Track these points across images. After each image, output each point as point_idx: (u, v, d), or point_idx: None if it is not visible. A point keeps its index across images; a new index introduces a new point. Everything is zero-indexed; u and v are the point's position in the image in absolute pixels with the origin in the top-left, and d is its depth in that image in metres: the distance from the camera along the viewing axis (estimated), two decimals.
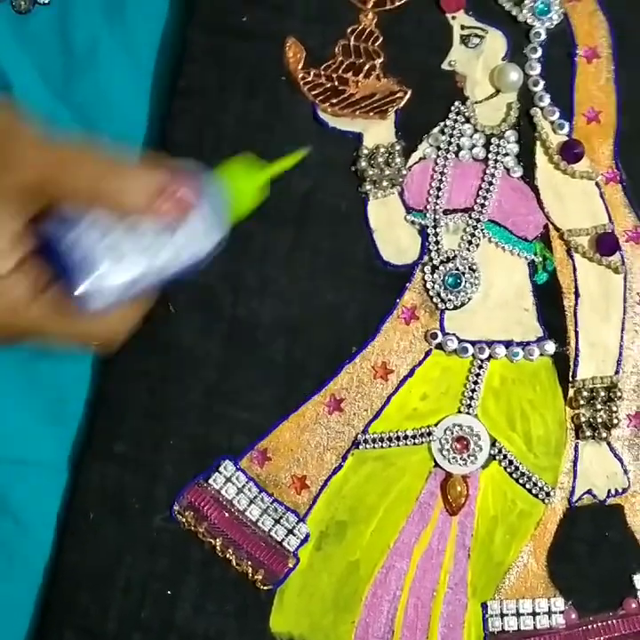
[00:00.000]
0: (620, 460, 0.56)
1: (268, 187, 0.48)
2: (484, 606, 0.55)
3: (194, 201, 0.43)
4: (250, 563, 0.55)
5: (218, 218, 0.45)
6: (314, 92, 0.58)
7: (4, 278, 0.41)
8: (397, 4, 0.58)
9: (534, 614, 0.55)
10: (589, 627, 0.55)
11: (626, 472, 0.56)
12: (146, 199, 0.43)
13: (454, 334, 0.57)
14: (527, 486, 0.56)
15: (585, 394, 0.56)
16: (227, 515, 0.55)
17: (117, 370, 0.55)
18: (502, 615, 0.55)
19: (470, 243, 0.57)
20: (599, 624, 0.55)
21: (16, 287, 0.42)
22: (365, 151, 0.57)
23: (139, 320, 0.46)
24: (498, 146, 0.58)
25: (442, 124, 0.58)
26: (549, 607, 0.55)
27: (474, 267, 0.57)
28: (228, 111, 0.57)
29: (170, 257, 0.43)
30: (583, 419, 0.56)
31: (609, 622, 0.55)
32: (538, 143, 0.58)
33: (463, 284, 0.57)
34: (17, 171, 0.42)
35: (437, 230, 0.57)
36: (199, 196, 0.44)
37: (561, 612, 0.55)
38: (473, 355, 0.56)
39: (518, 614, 0.55)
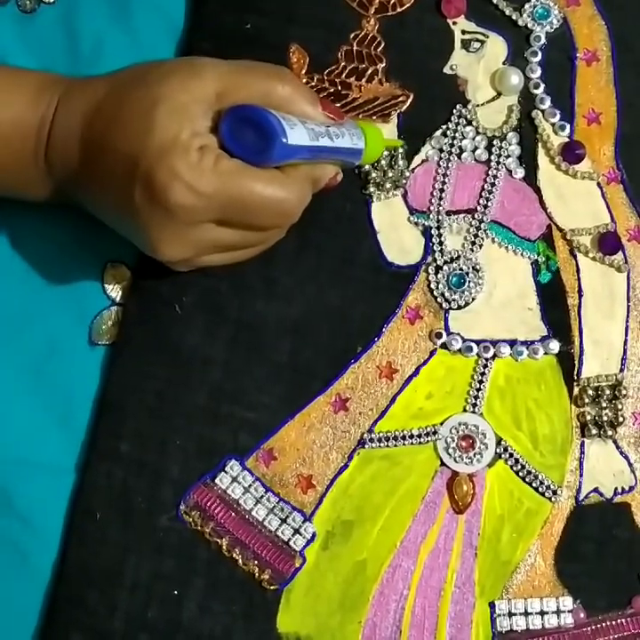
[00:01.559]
0: (627, 457, 0.56)
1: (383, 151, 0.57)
2: (492, 606, 0.55)
3: (344, 114, 0.53)
4: (256, 562, 0.55)
5: (359, 135, 0.54)
6: None
7: (190, 150, 0.48)
8: (399, 9, 0.59)
9: (542, 614, 0.55)
10: (598, 626, 0.55)
11: (632, 470, 0.56)
12: (311, 105, 0.51)
13: (459, 334, 0.57)
14: (534, 485, 0.56)
15: (590, 392, 0.57)
16: (233, 514, 0.55)
17: (123, 370, 0.55)
18: (510, 614, 0.55)
19: (474, 243, 0.58)
20: (608, 623, 0.55)
21: (203, 158, 0.48)
22: None
23: (309, 198, 0.52)
24: (500, 148, 0.59)
25: (444, 126, 0.58)
26: (558, 606, 0.55)
27: (477, 267, 0.58)
28: None
29: (338, 138, 0.52)
30: (589, 417, 0.56)
31: (618, 621, 0.55)
32: (539, 145, 0.59)
33: (467, 283, 0.58)
34: (204, 79, 0.49)
35: (441, 231, 0.58)
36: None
37: (569, 612, 0.55)
38: (477, 354, 0.57)
39: (526, 614, 0.55)
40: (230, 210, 0.49)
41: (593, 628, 0.55)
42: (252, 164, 0.49)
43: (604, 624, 0.55)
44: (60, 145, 0.51)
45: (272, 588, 0.54)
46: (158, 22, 0.59)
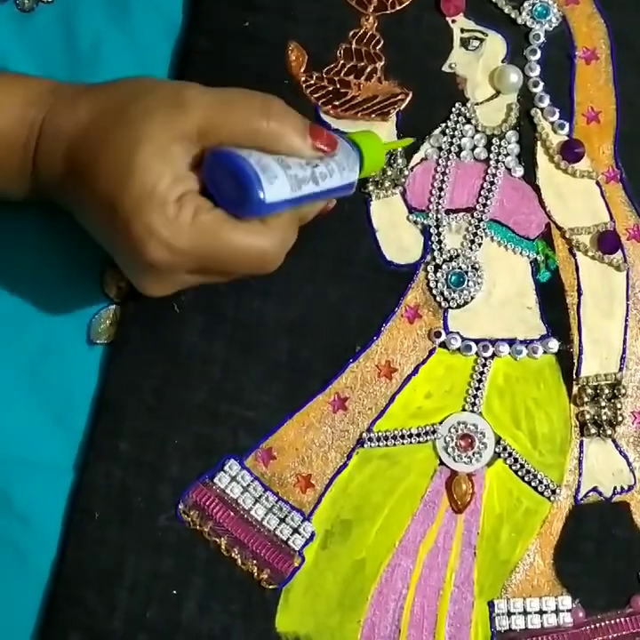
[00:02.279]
0: (626, 457, 0.56)
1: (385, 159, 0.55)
2: (491, 605, 0.55)
3: (337, 140, 0.50)
4: (255, 562, 0.55)
5: (354, 160, 0.51)
6: (316, 95, 0.59)
7: (168, 204, 0.46)
8: (398, 7, 0.59)
9: (541, 613, 0.55)
10: (597, 625, 0.55)
11: (631, 469, 0.56)
12: (300, 137, 0.48)
13: (458, 333, 0.57)
14: (533, 484, 0.55)
15: (589, 391, 0.57)
16: (232, 514, 0.55)
17: (121, 370, 0.55)
18: (509, 614, 0.55)
19: (473, 242, 0.58)
20: (607, 622, 0.55)
21: (180, 211, 0.46)
22: None
23: (294, 239, 0.50)
24: (499, 146, 0.59)
25: (443, 125, 0.58)
26: (557, 605, 0.55)
27: (477, 265, 0.58)
28: None
29: (325, 179, 0.49)
30: (588, 416, 0.56)
31: (617, 620, 0.55)
32: (538, 143, 0.59)
33: (466, 282, 0.58)
34: (188, 114, 0.47)
35: (440, 230, 0.58)
36: (338, 140, 0.50)
37: (568, 611, 0.55)
38: (476, 353, 0.57)
39: (525, 613, 0.55)
40: (208, 262, 0.48)
41: (591, 627, 0.55)
42: (231, 214, 0.47)
43: (602, 623, 0.55)
44: (45, 165, 0.50)
45: (271, 587, 0.55)
46: (156, 21, 0.58)
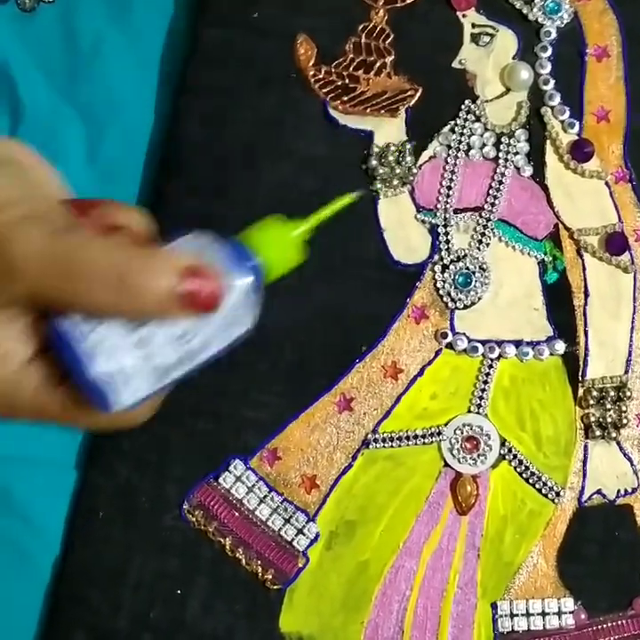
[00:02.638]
0: (630, 459, 0.56)
1: (308, 246, 0.41)
2: (494, 606, 0.55)
3: (222, 291, 0.37)
4: (259, 562, 0.55)
5: (251, 295, 0.40)
6: (325, 90, 0.58)
7: (15, 373, 0.38)
8: (408, 1, 0.58)
9: (544, 614, 0.56)
10: (599, 627, 0.55)
11: (635, 472, 0.56)
12: (167, 304, 0.37)
13: (464, 334, 0.57)
14: (537, 486, 0.56)
15: (594, 393, 0.57)
16: (236, 514, 0.55)
17: None
18: (512, 615, 0.55)
19: (480, 242, 0.58)
20: (609, 624, 0.55)
21: (27, 382, 0.38)
22: (376, 149, 0.57)
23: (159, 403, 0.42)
24: (508, 145, 0.58)
25: (452, 122, 0.58)
26: (559, 607, 0.55)
27: (484, 266, 0.58)
28: (238, 107, 0.57)
29: (201, 345, 0.38)
30: (593, 418, 0.56)
31: (619, 622, 0.56)
32: (548, 142, 0.58)
33: (473, 283, 0.57)
34: (16, 282, 0.37)
35: (448, 229, 0.58)
36: (227, 284, 0.38)
37: (571, 613, 0.55)
38: (483, 354, 0.57)
39: (528, 614, 0.55)
40: None
41: (594, 628, 0.55)
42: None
43: (604, 625, 0.55)
44: None
45: (275, 587, 0.55)
46: (157, 21, 0.58)
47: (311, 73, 0.58)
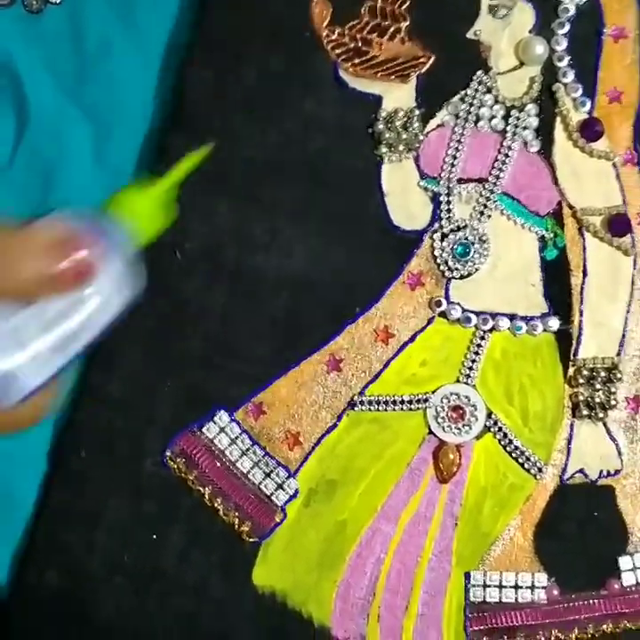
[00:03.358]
0: (615, 441, 0.56)
1: (174, 204, 0.42)
2: (468, 576, 0.55)
3: (95, 260, 0.37)
4: (237, 514, 0.55)
5: (125, 263, 0.40)
6: (337, 51, 0.58)
7: None
8: None
9: (517, 587, 0.56)
10: (570, 604, 0.55)
11: (620, 454, 0.56)
12: (37, 282, 0.36)
13: (459, 303, 0.57)
14: (520, 460, 0.56)
15: (585, 373, 0.57)
16: (218, 464, 0.55)
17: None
18: (485, 586, 0.56)
19: (482, 213, 0.58)
20: (580, 602, 0.56)
21: None
22: (384, 114, 0.57)
23: (57, 396, 0.41)
24: (517, 118, 0.58)
25: (463, 92, 0.58)
26: (532, 582, 0.56)
27: (484, 237, 0.58)
28: (248, 62, 0.57)
29: (82, 325, 0.38)
30: (581, 397, 0.56)
31: (590, 601, 0.56)
32: (558, 119, 0.58)
33: (472, 254, 0.58)
34: None
35: (450, 198, 0.58)
36: (100, 251, 0.37)
37: (543, 588, 0.55)
38: (476, 325, 0.57)
39: (501, 586, 0.56)
40: None
41: (565, 605, 0.56)
42: None
43: (576, 603, 0.55)
44: None
45: (251, 540, 0.55)
46: (164, 23, 0.58)
47: (325, 33, 0.58)
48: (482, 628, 0.55)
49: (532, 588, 0.56)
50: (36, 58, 0.57)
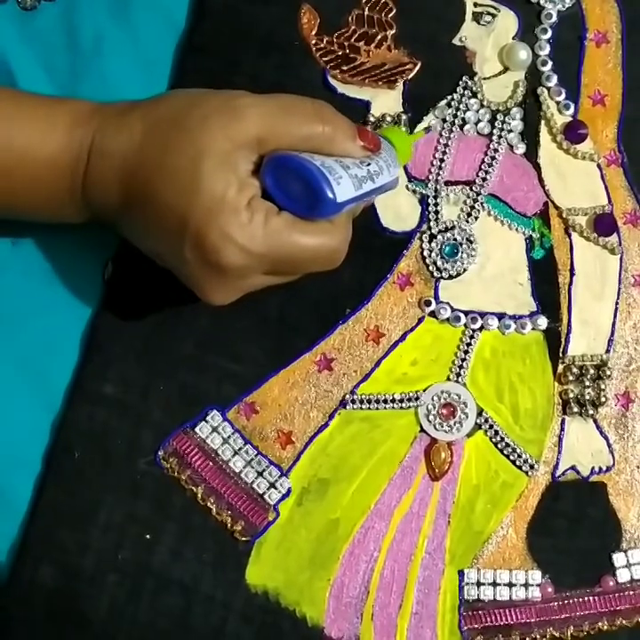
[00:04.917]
0: (606, 438, 0.56)
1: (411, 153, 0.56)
2: (461, 574, 0.56)
3: (380, 139, 0.52)
4: (230, 513, 0.56)
5: (394, 155, 0.53)
6: (325, 59, 0.60)
7: (240, 210, 0.47)
8: None
9: (511, 585, 0.56)
10: (565, 602, 0.56)
11: (611, 451, 0.56)
12: (352, 141, 0.50)
13: (448, 303, 0.58)
14: (511, 458, 0.56)
15: (574, 370, 0.58)
16: (210, 464, 0.56)
17: (111, 314, 0.56)
18: (479, 584, 0.56)
19: (469, 215, 0.59)
20: (575, 600, 0.56)
21: (253, 217, 0.48)
22: (372, 119, 0.58)
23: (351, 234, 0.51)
24: (503, 122, 0.60)
25: (449, 97, 0.59)
26: (526, 579, 0.56)
27: (472, 238, 0.59)
28: (239, 71, 0.59)
29: (378, 177, 0.51)
30: (571, 394, 0.57)
31: (585, 599, 0.56)
32: (542, 122, 0.60)
33: (460, 254, 0.59)
34: (245, 123, 0.48)
35: (438, 200, 0.59)
36: (380, 139, 0.52)
37: (537, 585, 0.56)
38: (465, 324, 0.58)
39: (495, 584, 0.56)
40: (280, 264, 0.49)
41: (559, 603, 0.56)
42: (298, 216, 0.49)
43: (570, 600, 0.56)
44: (98, 187, 0.50)
45: (244, 539, 0.56)
46: (158, 19, 0.59)
47: (313, 42, 0.60)
48: (476, 626, 0.56)
49: (526, 585, 0.56)
50: (30, 55, 0.58)
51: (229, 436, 0.56)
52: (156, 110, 0.50)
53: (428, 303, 0.58)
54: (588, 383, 0.57)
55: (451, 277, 0.58)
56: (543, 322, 0.57)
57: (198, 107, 0.49)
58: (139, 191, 0.49)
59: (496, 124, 0.59)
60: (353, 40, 0.60)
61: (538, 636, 0.55)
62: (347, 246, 0.51)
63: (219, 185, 0.48)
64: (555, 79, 0.59)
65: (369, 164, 0.50)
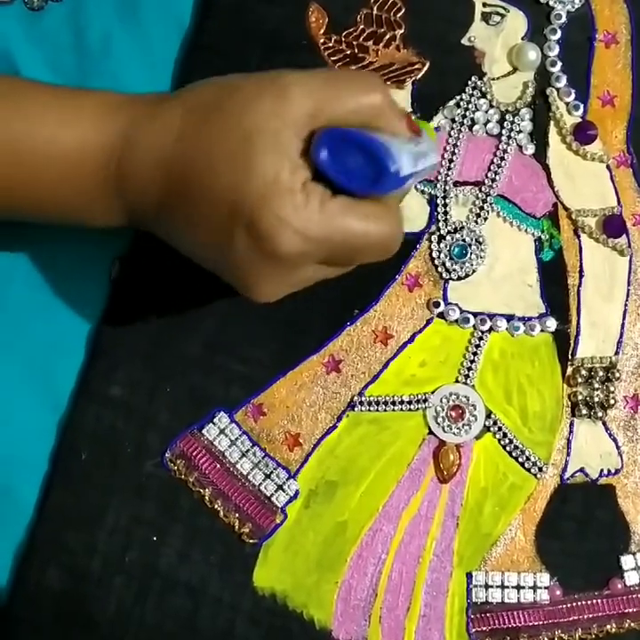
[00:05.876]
0: (615, 440, 0.56)
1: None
2: (469, 576, 0.56)
3: (420, 129, 0.51)
4: (237, 515, 0.56)
5: (432, 145, 0.52)
6: (333, 58, 0.60)
7: (295, 193, 0.45)
8: None
9: (519, 588, 0.56)
10: (573, 604, 0.56)
11: (620, 453, 0.56)
12: (400, 120, 0.48)
13: (457, 304, 0.58)
14: (520, 460, 0.56)
15: (583, 372, 0.58)
16: (218, 466, 0.56)
17: (118, 316, 0.56)
18: (487, 586, 0.56)
19: (478, 216, 0.60)
20: (583, 602, 0.56)
21: (308, 199, 0.45)
22: None
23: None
24: (512, 123, 0.60)
25: (458, 97, 0.59)
26: (535, 582, 0.56)
27: (480, 239, 0.59)
28: (246, 70, 0.59)
29: (425, 154, 0.50)
30: (580, 397, 0.57)
31: (593, 601, 0.56)
32: (552, 123, 0.60)
33: (469, 255, 0.59)
34: (293, 100, 0.46)
35: (447, 201, 0.60)
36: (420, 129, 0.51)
37: (546, 588, 0.56)
38: (474, 326, 0.58)
39: (503, 587, 0.56)
40: (336, 252, 0.47)
41: (568, 606, 0.56)
42: (354, 193, 0.46)
43: (579, 603, 0.56)
44: (134, 180, 0.48)
45: (251, 541, 0.56)
46: (166, 19, 0.59)
47: (321, 41, 0.60)
48: (484, 628, 0.56)
49: (535, 588, 0.56)
50: (37, 55, 0.58)
51: (237, 438, 0.56)
52: (194, 97, 0.48)
53: (436, 304, 0.58)
54: (596, 385, 0.57)
55: (459, 279, 0.58)
56: (552, 323, 0.58)
57: (240, 89, 0.47)
58: (181, 181, 0.47)
59: (505, 125, 0.59)
60: (361, 39, 0.60)
61: (546, 639, 0.56)
62: (402, 234, 0.49)
63: (271, 167, 0.45)
64: (564, 80, 0.60)
65: (418, 143, 0.49)
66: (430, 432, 0.56)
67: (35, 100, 0.49)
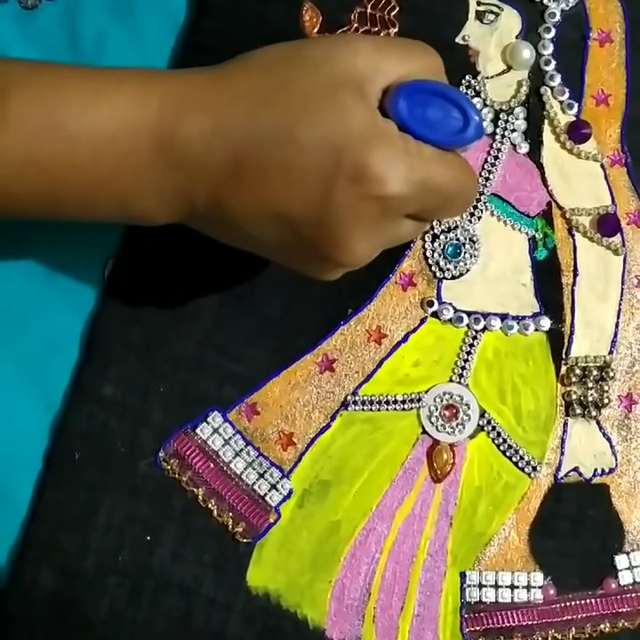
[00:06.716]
0: (609, 439, 0.57)
1: None
2: (463, 576, 0.56)
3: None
4: (231, 515, 0.56)
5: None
6: None
7: (395, 138, 0.46)
8: None
9: (513, 587, 0.57)
10: (567, 604, 0.56)
11: (614, 452, 0.56)
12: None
13: (451, 303, 0.58)
14: (514, 459, 0.57)
15: (577, 372, 0.58)
16: (211, 465, 0.56)
17: (112, 314, 0.56)
18: (480, 586, 0.57)
19: (472, 214, 0.60)
20: (577, 602, 0.56)
21: (407, 144, 0.46)
22: None
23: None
24: (506, 121, 0.60)
25: None
26: (528, 581, 0.56)
27: (474, 238, 0.60)
28: None
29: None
30: (574, 396, 0.57)
31: (587, 601, 0.57)
32: (546, 121, 0.60)
33: (463, 254, 0.60)
34: (363, 54, 0.47)
35: None
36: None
37: (539, 588, 0.56)
38: (468, 325, 0.58)
39: (497, 586, 0.57)
40: (430, 201, 0.47)
41: (562, 605, 0.57)
42: (438, 146, 0.47)
43: (572, 603, 0.57)
44: (194, 152, 0.45)
45: (245, 541, 0.56)
46: (160, 18, 0.59)
47: None
48: (478, 628, 0.56)
49: (529, 587, 0.57)
50: (31, 54, 0.58)
51: (230, 438, 0.56)
52: (260, 59, 0.47)
53: (430, 304, 0.58)
54: (590, 385, 0.57)
55: (453, 278, 0.58)
56: (546, 323, 0.58)
57: (306, 49, 0.47)
58: (259, 145, 0.45)
59: (499, 124, 0.60)
60: None
61: (540, 639, 0.56)
62: (477, 188, 0.50)
63: (367, 113, 0.45)
64: (558, 78, 0.60)
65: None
66: (424, 431, 0.57)
67: (80, 84, 0.47)
